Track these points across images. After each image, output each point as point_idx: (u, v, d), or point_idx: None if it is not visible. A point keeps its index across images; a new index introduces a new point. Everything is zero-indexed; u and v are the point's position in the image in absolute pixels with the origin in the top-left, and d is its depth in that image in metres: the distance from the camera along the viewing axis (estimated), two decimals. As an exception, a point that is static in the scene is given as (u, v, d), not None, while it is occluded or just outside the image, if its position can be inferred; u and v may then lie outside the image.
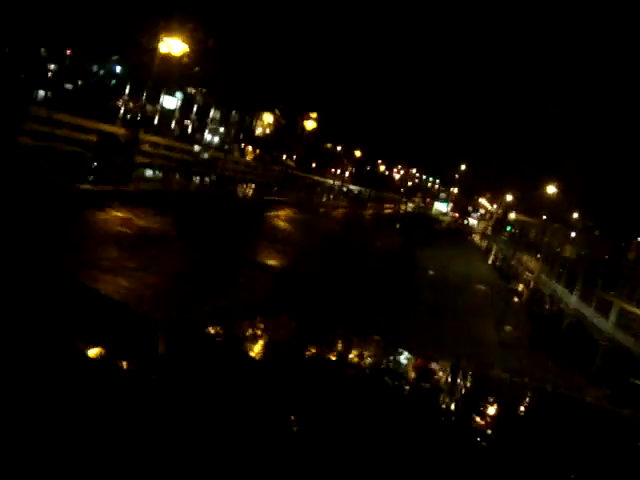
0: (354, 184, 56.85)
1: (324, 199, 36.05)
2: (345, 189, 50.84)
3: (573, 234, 32.75)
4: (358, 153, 70.83)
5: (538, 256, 18.41)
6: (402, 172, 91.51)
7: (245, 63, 48.94)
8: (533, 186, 40.35)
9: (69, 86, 54.26)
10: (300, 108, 62.22)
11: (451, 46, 77.14)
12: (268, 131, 71.96)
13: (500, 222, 35.46)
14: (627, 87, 50.54)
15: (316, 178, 46.09)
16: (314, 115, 61.77)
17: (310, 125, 65.62)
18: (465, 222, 63.69)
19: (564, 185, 29.61)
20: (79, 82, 54.49)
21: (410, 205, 61.58)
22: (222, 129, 66.20)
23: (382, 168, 72.73)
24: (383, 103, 64.97)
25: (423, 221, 43.59)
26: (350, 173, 67.36)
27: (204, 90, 60.92)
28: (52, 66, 55.01)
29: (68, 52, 53.24)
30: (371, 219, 31.70)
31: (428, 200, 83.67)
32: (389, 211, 48.09)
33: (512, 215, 44.18)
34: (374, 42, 63.69)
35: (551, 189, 29.63)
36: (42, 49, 52.04)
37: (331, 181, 45.72)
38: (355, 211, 34.56)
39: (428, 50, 74.55)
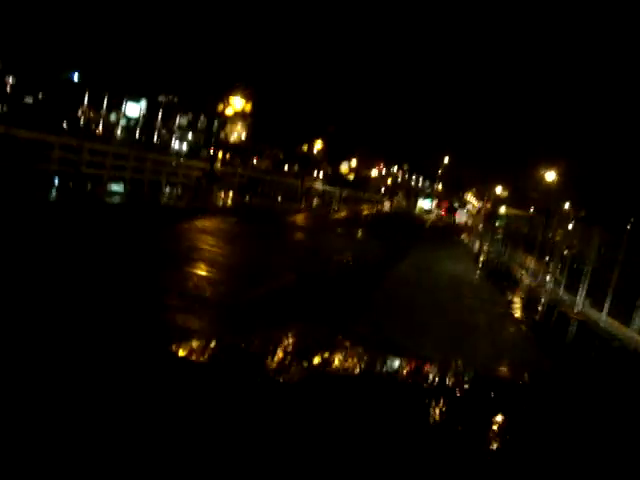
0: (330, 185, 53.58)
1: (277, 203, 31.79)
2: (317, 190, 46.90)
3: (570, 226, 29.36)
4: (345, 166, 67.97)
5: (548, 261, 14.60)
6: (382, 171, 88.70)
7: (211, 64, 46.14)
8: (525, 175, 37.44)
9: (29, 100, 51.12)
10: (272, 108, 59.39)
11: (426, 29, 74.10)
12: (242, 136, 69.25)
13: (490, 217, 32.37)
14: (623, 70, 47.76)
15: (282, 180, 42.28)
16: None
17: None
18: (452, 219, 60.38)
19: (563, 171, 26.71)
20: (40, 95, 51.29)
21: (387, 204, 57.68)
22: (190, 135, 63.07)
23: (347, 166, 69.24)
24: (358, 95, 62.02)
25: (402, 222, 37.99)
26: (325, 174, 64.33)
27: (170, 96, 57.97)
28: (10, 79, 52.07)
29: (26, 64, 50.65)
30: (334, 224, 25.88)
31: (412, 198, 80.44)
32: (365, 212, 44.05)
33: (502, 209, 41.18)
34: (345, 28, 60.75)
35: (550, 175, 26.36)
36: (-1, 63, 49.24)
37: (297, 182, 41.90)
38: (315, 215, 29.17)
39: (401, 34, 71.48)
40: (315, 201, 40.87)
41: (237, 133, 68.80)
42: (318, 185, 50.70)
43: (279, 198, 33.75)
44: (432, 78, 74.56)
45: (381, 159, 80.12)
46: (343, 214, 34.01)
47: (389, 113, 64.81)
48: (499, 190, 48.83)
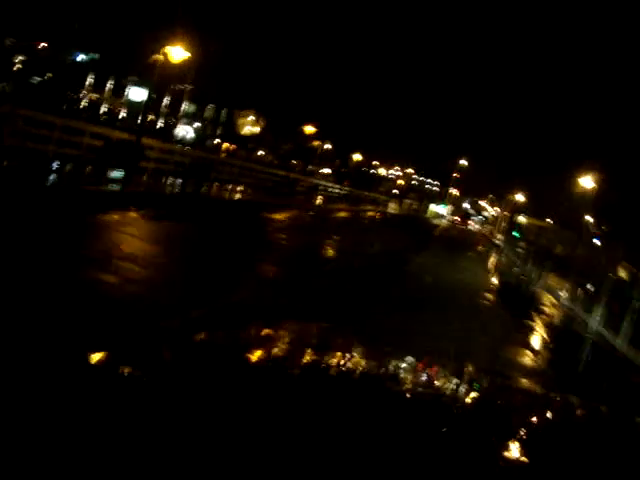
0: (338, 182, 50.76)
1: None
2: (310, 184, 43.14)
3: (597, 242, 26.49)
4: (358, 156, 65.63)
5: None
6: (398, 173, 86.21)
7: (225, 57, 44.20)
8: (550, 182, 34.19)
9: (36, 79, 49.48)
10: (288, 109, 57.39)
11: (446, 33, 70.93)
12: (250, 128, 67.36)
13: (509, 227, 29.48)
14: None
15: (272, 171, 38.56)
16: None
17: (309, 129, 60.17)
18: (468, 227, 57.02)
19: (597, 178, 23.43)
20: (47, 75, 49.56)
21: (392, 206, 53.79)
22: (196, 124, 60.59)
23: (354, 160, 66.19)
24: (376, 97, 59.52)
25: (409, 228, 33.11)
26: (334, 171, 61.71)
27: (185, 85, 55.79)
28: (19, 58, 50.56)
29: (42, 44, 50.28)
30: (304, 229, 21.48)
31: (425, 202, 77.08)
32: (370, 214, 40.54)
33: (521, 218, 38.03)
34: (365, 33, 58.09)
35: (587, 182, 23.00)
36: (8, 40, 47.93)
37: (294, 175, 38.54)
38: (291, 216, 24.56)
39: (421, 37, 68.45)
40: (303, 198, 37.20)
41: (250, 126, 66.87)
42: (316, 180, 47.26)
43: (249, 190, 29.54)
44: (452, 78, 71.39)
45: (396, 159, 77.42)
46: (328, 214, 30.44)
47: (405, 112, 62.05)
48: (518, 197, 45.17)
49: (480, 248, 28.39)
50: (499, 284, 15.34)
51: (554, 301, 12.57)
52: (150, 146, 21.97)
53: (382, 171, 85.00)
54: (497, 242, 28.57)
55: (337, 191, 50.78)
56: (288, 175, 37.38)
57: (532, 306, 12.79)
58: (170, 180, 22.63)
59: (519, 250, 17.98)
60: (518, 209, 41.90)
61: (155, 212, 14.11)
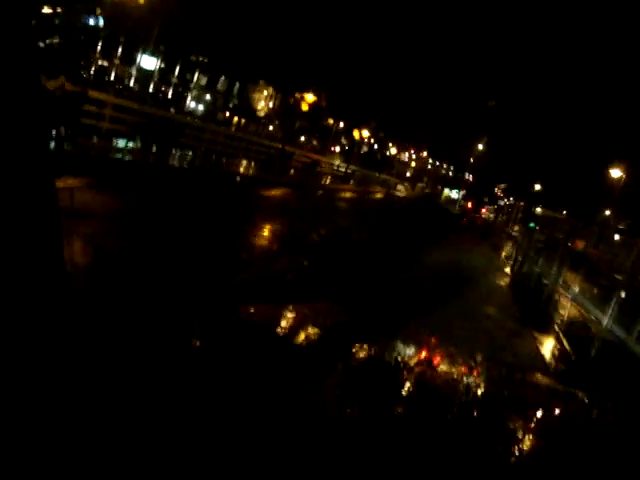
0: (346, 161, 49.10)
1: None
2: (305, 160, 40.45)
3: (617, 237, 24.99)
4: (365, 133, 63.90)
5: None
6: (413, 155, 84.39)
7: (240, 26, 42.57)
8: (571, 172, 32.57)
9: (41, 44, 47.87)
10: (299, 81, 55.86)
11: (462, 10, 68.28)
12: (263, 103, 65.90)
13: (527, 217, 27.93)
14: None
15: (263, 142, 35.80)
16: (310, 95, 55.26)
17: (310, 98, 58.87)
18: (482, 215, 54.98)
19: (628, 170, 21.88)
20: (55, 39, 48.02)
21: (401, 189, 51.49)
22: (208, 96, 59.11)
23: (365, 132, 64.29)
24: (390, 77, 57.54)
25: (415, 214, 30.01)
26: (343, 151, 60.16)
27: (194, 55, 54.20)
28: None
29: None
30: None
31: (439, 187, 75.27)
32: (376, 196, 38.39)
33: (538, 209, 36.42)
34: (382, 10, 55.91)
35: (616, 173, 21.44)
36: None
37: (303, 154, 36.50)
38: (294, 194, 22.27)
39: (438, 15, 65.98)
40: (298, 175, 34.22)
41: (264, 102, 65.37)
42: (317, 156, 45.04)
43: (231, 161, 26.51)
44: (471, 57, 68.94)
45: (411, 143, 75.52)
46: (324, 194, 27.54)
47: (421, 94, 60.11)
48: (537, 187, 43.18)
49: (494, 238, 26.81)
50: (513, 286, 13.94)
51: (584, 313, 10.90)
52: (100, 101, 18.89)
53: (396, 154, 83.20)
54: (514, 234, 26.88)
55: (342, 170, 48.90)
56: (283, 147, 33.98)
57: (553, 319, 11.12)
58: (125, 144, 19.57)
59: (538, 245, 16.57)
60: (535, 199, 40.37)
61: (96, 181, 11.64)
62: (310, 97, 56.28)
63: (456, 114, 63.64)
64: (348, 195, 32.23)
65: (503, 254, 21.60)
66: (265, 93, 67.01)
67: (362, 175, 48.16)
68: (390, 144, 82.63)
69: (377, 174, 53.76)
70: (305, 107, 55.79)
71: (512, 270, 16.94)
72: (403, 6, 57.96)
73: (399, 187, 49.94)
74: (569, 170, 34.74)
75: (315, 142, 62.53)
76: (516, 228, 26.22)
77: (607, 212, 50.03)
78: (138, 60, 52.83)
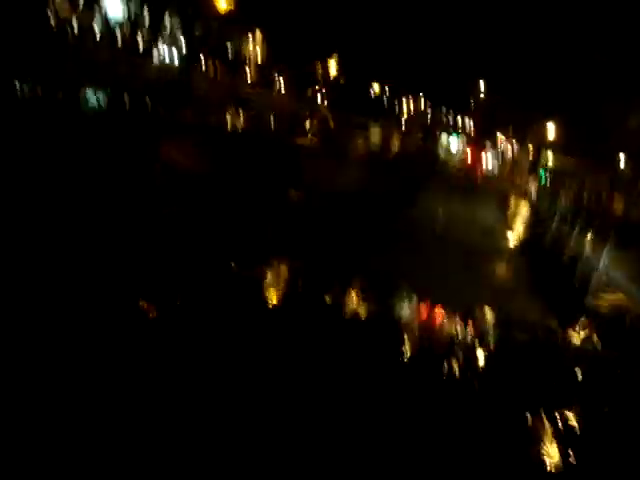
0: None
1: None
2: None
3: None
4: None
5: None
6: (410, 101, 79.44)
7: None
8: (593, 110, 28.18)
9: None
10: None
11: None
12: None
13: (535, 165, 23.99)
14: None
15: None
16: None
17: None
18: (482, 165, 50.34)
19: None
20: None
21: (375, 137, 42.50)
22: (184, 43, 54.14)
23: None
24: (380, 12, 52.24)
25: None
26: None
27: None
28: None
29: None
30: None
31: (438, 133, 69.66)
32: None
33: (549, 154, 32.18)
34: None
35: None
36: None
37: None
38: None
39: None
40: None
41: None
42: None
43: None
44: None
45: (406, 84, 70.39)
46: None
47: (416, 28, 54.81)
48: (552, 129, 37.93)
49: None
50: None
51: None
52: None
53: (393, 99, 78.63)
54: (530, 190, 22.82)
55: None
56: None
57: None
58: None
59: (561, 211, 12.74)
60: (546, 143, 35.80)
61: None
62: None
63: (454, 49, 58.10)
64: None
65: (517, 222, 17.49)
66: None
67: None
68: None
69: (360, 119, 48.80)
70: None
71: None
72: None
73: (372, 133, 40.51)
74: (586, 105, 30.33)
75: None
76: (531, 184, 22.27)
77: (622, 157, 45.68)
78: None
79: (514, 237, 14.77)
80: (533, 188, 21.54)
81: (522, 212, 19.06)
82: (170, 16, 52.91)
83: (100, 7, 48.46)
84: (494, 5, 57.10)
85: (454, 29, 60.60)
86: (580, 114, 33.59)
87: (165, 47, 53.35)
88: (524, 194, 23.15)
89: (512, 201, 22.71)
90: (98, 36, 46.53)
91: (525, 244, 14.05)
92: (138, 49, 47.06)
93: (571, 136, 35.12)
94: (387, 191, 16.16)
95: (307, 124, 38.23)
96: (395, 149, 50.19)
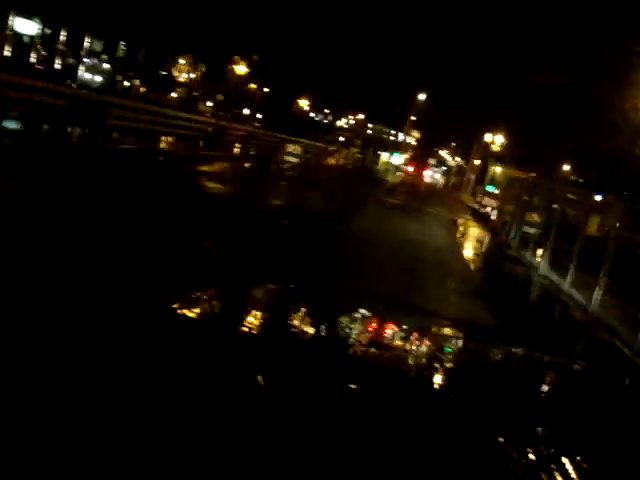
0: (267, 129, 42.11)
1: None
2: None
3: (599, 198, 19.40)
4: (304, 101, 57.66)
5: None
6: (352, 122, 78.55)
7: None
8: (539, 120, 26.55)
9: None
10: (223, 48, 48.44)
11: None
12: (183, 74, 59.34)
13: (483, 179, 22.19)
14: None
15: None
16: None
17: (240, 70, 51.37)
18: (426, 179, 48.68)
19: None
20: None
21: (296, 151, 40.33)
22: (107, 66, 50.80)
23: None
24: (320, 30, 50.45)
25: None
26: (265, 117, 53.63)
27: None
28: None
29: None
30: None
31: (371, 149, 67.10)
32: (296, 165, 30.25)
33: (497, 168, 30.29)
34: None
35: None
36: None
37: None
38: None
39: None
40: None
41: (185, 73, 58.90)
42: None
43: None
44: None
45: (348, 107, 69.07)
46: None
47: (353, 46, 53.05)
48: (497, 139, 35.62)
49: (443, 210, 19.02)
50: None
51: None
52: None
53: (335, 121, 77.81)
54: (481, 208, 19.98)
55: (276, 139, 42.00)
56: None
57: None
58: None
59: (529, 230, 10.43)
60: (494, 156, 33.87)
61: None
62: (241, 69, 48.83)
63: (393, 67, 56.67)
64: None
65: (468, 246, 14.74)
66: (183, 62, 59.98)
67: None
68: (326, 110, 76.19)
69: (305, 141, 46.65)
70: (237, 75, 48.77)
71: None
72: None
73: (294, 150, 37.99)
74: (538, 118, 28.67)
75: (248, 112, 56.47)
76: (486, 199, 19.61)
77: (565, 166, 44.57)
78: (10, 23, 43.94)
79: (466, 255, 12.31)
80: (487, 203, 19.11)
81: (470, 231, 16.70)
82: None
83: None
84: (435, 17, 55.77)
85: (391, 47, 59.26)
86: (527, 124, 32.11)
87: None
88: (475, 211, 20.78)
89: (458, 216, 20.23)
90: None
91: (478, 262, 11.65)
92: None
93: (519, 149, 33.44)
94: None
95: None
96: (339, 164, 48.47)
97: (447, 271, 10.11)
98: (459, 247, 14.43)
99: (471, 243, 16.71)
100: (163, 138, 26.84)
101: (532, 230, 10.90)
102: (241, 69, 49.70)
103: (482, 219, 19.63)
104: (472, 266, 11.65)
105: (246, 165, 25.71)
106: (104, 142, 19.34)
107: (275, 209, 13.36)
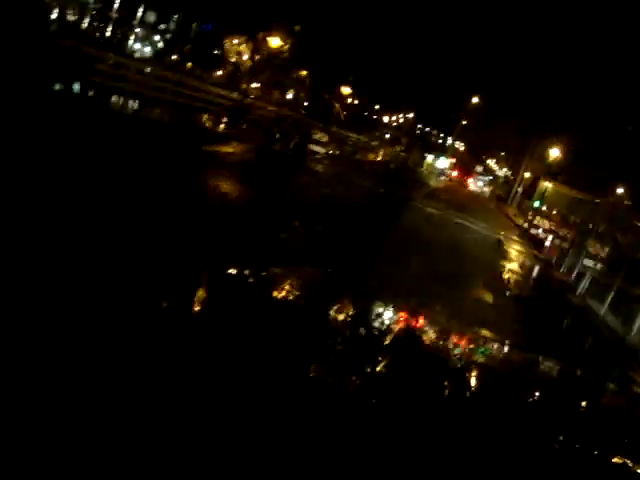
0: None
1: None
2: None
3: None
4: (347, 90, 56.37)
5: None
6: (401, 120, 77.28)
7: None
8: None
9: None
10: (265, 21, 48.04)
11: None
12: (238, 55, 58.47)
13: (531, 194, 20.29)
14: None
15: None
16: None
17: (275, 43, 51.07)
18: (470, 187, 46.69)
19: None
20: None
21: (319, 148, 37.59)
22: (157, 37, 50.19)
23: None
24: (376, 28, 49.08)
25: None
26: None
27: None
28: None
29: None
30: None
31: (416, 150, 65.03)
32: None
33: (547, 184, 28.15)
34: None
35: None
36: None
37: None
38: None
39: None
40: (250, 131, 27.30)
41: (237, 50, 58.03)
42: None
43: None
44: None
45: (399, 105, 67.63)
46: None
47: (409, 49, 51.51)
48: (555, 153, 32.84)
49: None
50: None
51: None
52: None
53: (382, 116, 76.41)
54: (534, 231, 17.42)
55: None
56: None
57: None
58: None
59: (588, 263, 8.81)
60: (549, 171, 31.43)
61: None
62: (276, 41, 48.01)
63: (447, 72, 54.83)
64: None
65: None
66: (236, 41, 59.15)
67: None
68: (376, 106, 74.51)
69: (350, 134, 45.39)
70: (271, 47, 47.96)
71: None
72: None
73: (320, 138, 35.46)
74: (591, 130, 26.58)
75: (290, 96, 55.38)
76: (538, 219, 17.29)
77: (619, 190, 42.03)
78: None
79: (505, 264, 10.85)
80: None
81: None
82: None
83: None
84: (494, 26, 53.54)
85: (448, 50, 57.27)
86: (583, 140, 29.36)
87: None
88: (517, 229, 18.96)
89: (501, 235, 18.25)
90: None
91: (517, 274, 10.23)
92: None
93: (575, 166, 30.30)
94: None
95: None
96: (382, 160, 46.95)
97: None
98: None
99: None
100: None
101: (591, 263, 9.18)
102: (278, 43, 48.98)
103: (533, 241, 17.49)
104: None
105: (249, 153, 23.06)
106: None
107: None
